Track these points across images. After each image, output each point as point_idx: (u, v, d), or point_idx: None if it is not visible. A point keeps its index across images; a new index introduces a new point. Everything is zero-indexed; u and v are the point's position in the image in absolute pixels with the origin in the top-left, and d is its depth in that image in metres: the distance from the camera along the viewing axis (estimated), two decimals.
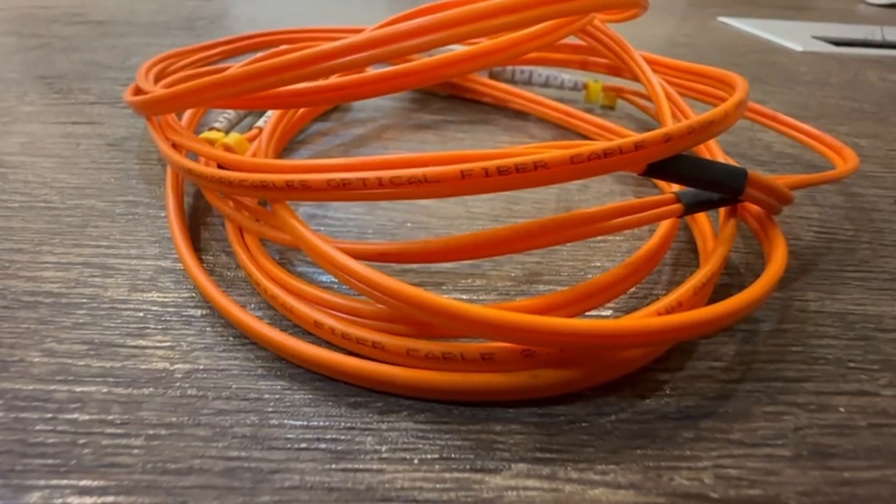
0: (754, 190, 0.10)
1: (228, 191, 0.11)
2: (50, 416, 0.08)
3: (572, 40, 0.19)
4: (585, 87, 0.21)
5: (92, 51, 0.26)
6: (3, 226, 0.12)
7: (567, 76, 0.21)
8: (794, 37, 0.36)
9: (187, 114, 0.15)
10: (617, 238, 0.13)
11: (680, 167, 0.10)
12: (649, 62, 0.17)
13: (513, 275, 0.12)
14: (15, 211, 0.13)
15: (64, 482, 0.07)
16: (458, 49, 0.13)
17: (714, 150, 0.16)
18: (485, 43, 0.13)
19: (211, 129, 0.15)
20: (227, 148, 0.14)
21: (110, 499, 0.07)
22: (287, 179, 0.09)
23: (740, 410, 0.09)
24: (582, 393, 0.09)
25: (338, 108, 0.20)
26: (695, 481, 0.07)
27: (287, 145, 0.17)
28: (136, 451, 0.07)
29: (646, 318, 0.08)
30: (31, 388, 0.08)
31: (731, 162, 0.16)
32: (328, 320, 0.09)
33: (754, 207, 0.12)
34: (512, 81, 0.21)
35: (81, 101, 0.20)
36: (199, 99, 0.12)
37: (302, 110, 0.16)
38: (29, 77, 0.22)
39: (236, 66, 0.14)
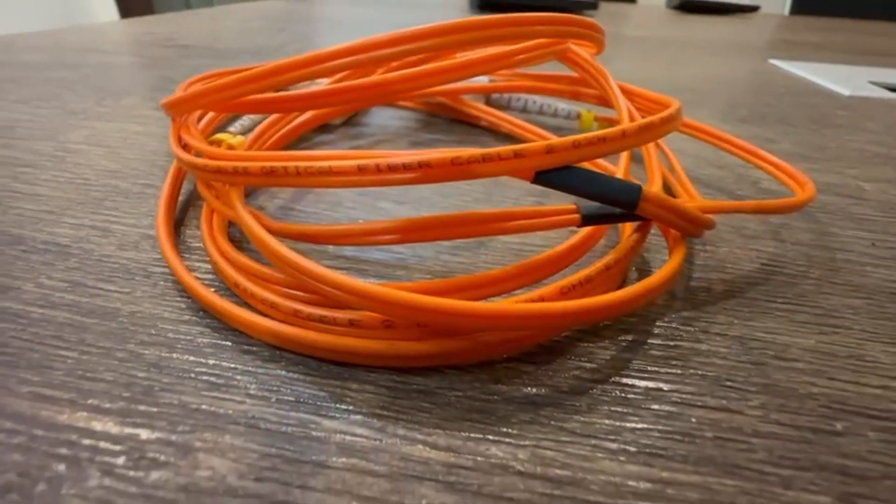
0: (652, 207, 0.11)
1: (198, 174, 0.13)
2: (21, 328, 0.10)
3: (556, 70, 0.19)
4: (579, 116, 0.21)
5: (168, 68, 0.31)
6: (45, 193, 0.15)
7: (562, 105, 0.22)
8: (847, 81, 0.34)
9: (207, 118, 0.18)
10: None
11: (568, 178, 0.10)
12: (623, 91, 0.18)
13: (434, 269, 0.13)
14: (59, 183, 0.16)
15: (10, 373, 0.09)
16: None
17: (684, 180, 0.16)
18: (443, 62, 0.14)
19: (225, 132, 0.18)
20: (230, 147, 0.17)
21: (36, 389, 0.09)
22: (234, 165, 0.11)
23: (587, 406, 0.09)
24: (443, 370, 0.10)
25: (347, 123, 0.23)
26: (508, 454, 0.08)
27: (286, 146, 0.19)
28: (69, 361, 0.09)
29: (499, 305, 0.09)
30: (17, 307, 0.11)
31: (690, 190, 0.16)
32: (243, 282, 0.11)
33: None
34: (508, 108, 0.22)
35: (145, 106, 0.24)
36: (206, 100, 0.14)
37: (298, 121, 0.19)
38: (112, 86, 0.26)
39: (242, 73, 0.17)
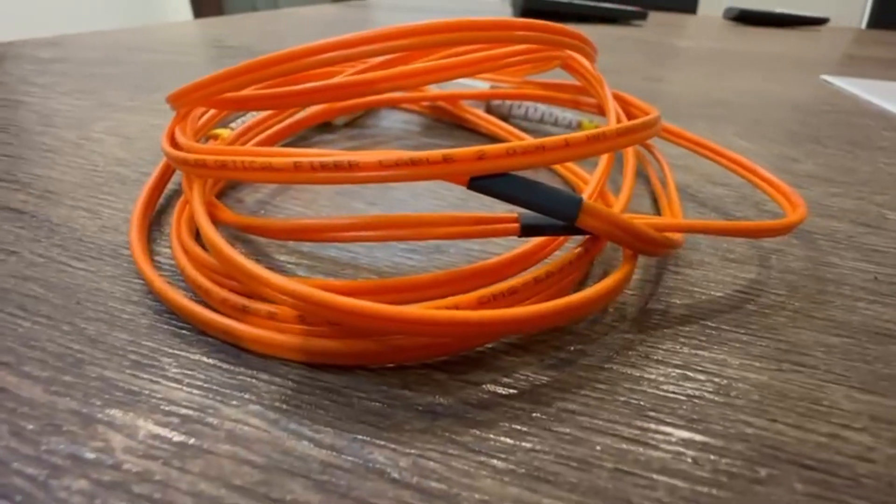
0: (593, 220, 0.10)
1: (174, 164, 0.13)
2: None
3: (558, 79, 0.19)
4: (580, 125, 0.21)
5: (206, 68, 0.33)
6: (56, 177, 0.17)
7: (562, 113, 0.21)
8: None
9: (208, 115, 0.19)
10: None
11: (504, 186, 0.10)
12: (619, 100, 0.17)
13: (382, 270, 0.13)
14: (70, 168, 0.17)
15: None
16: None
17: (672, 196, 0.15)
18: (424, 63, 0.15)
19: (226, 128, 0.19)
20: (225, 142, 0.17)
21: None
22: (195, 157, 0.12)
23: (488, 421, 0.09)
24: (357, 370, 0.10)
25: (351, 124, 0.23)
26: (389, 461, 0.08)
27: (280, 143, 0.20)
28: (20, 329, 0.10)
29: (407, 309, 0.09)
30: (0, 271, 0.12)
31: (675, 206, 0.15)
32: (189, 267, 0.11)
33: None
34: (510, 116, 0.22)
35: None
36: (199, 94, 0.15)
37: (289, 120, 0.19)
38: (147, 83, 0.28)
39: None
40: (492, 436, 0.08)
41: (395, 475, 0.08)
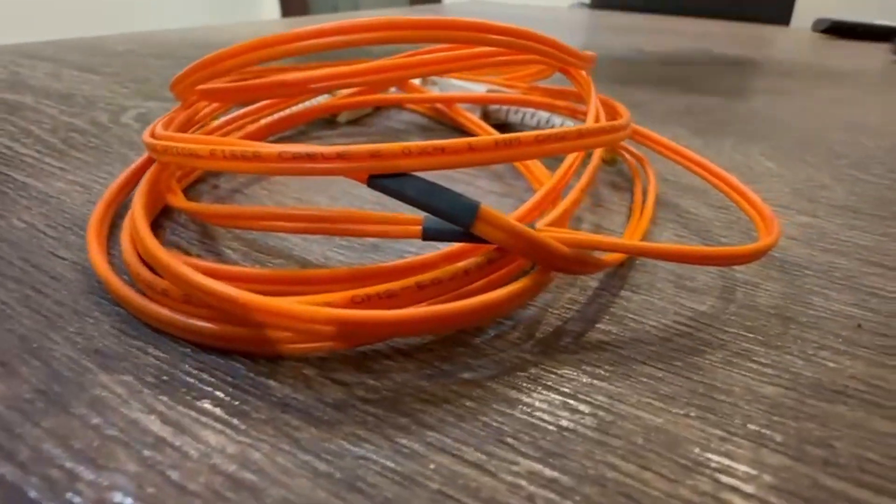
0: (490, 230, 0.10)
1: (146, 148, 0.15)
2: None
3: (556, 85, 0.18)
4: None
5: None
6: (73, 154, 0.19)
7: (559, 121, 0.20)
8: None
9: (209, 108, 0.21)
10: None
11: (402, 187, 0.10)
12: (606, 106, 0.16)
13: (310, 262, 0.13)
14: (88, 148, 0.19)
15: None
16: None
17: (647, 213, 0.14)
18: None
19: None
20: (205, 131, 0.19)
21: None
22: (164, 145, 0.13)
23: (333, 422, 0.08)
24: (236, 356, 0.10)
25: (354, 122, 0.24)
26: (218, 445, 0.08)
27: (270, 137, 0.21)
28: None
29: (271, 300, 0.09)
30: None
31: (640, 223, 0.14)
32: (125, 243, 0.12)
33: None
34: (507, 122, 0.21)
35: None
36: (193, 79, 0.16)
37: (281, 115, 0.20)
38: None
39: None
40: (329, 437, 0.08)
41: (217, 461, 0.08)
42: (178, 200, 0.13)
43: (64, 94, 0.26)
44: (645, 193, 0.16)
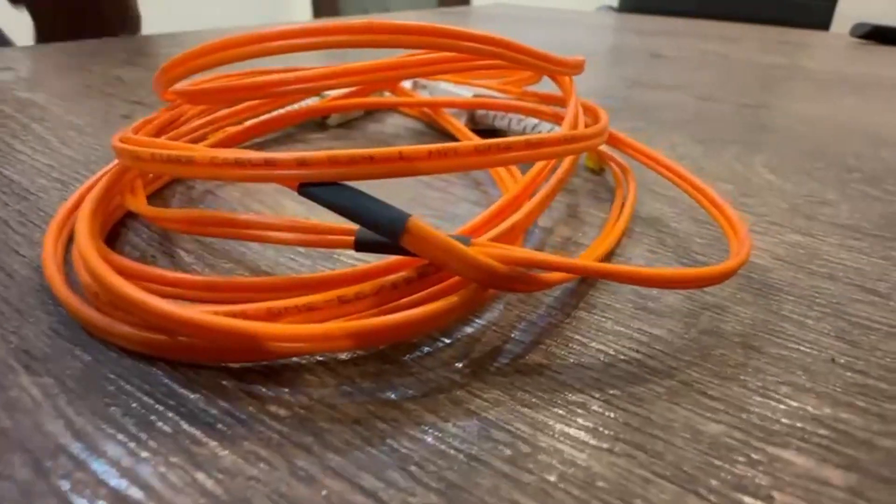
0: (418, 243, 0.09)
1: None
2: None
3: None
4: None
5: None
6: (67, 153, 0.19)
7: (547, 127, 0.19)
8: None
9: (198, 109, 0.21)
10: None
11: (331, 195, 0.09)
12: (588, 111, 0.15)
13: (258, 268, 0.13)
14: (83, 147, 0.20)
15: None
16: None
17: (618, 227, 0.14)
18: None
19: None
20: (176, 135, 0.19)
21: None
22: (117, 146, 0.13)
23: (235, 437, 0.08)
24: (159, 362, 0.10)
25: (344, 125, 0.23)
26: (112, 458, 0.08)
27: (263, 140, 0.21)
28: None
29: (187, 310, 0.09)
30: None
31: (607, 238, 0.13)
32: (75, 257, 0.12)
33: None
34: (493, 127, 0.21)
35: None
36: (173, 74, 0.16)
37: (265, 117, 0.20)
38: None
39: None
40: (226, 454, 0.08)
41: (107, 475, 0.08)
42: (132, 201, 0.13)
43: (72, 93, 0.27)
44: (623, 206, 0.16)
